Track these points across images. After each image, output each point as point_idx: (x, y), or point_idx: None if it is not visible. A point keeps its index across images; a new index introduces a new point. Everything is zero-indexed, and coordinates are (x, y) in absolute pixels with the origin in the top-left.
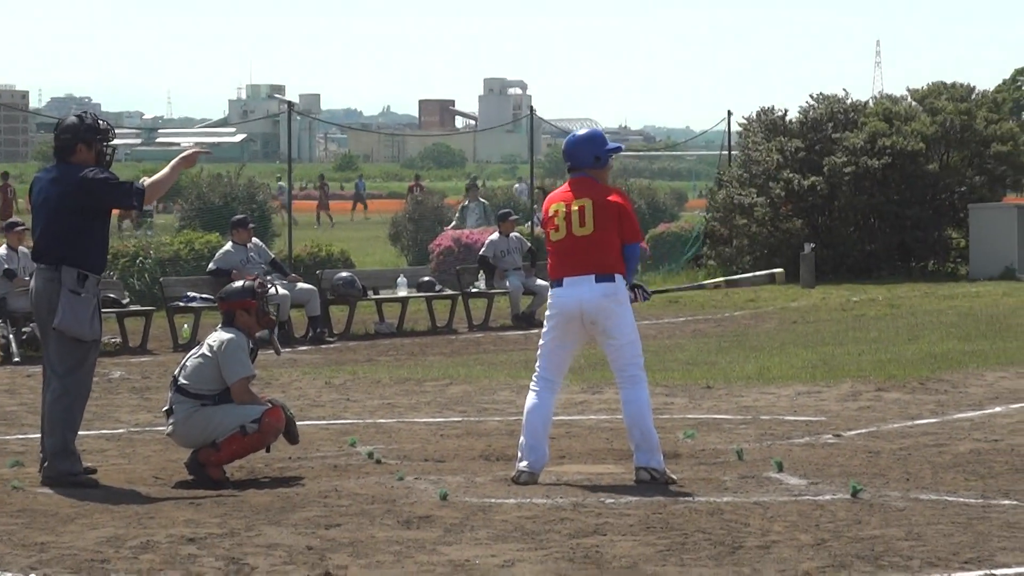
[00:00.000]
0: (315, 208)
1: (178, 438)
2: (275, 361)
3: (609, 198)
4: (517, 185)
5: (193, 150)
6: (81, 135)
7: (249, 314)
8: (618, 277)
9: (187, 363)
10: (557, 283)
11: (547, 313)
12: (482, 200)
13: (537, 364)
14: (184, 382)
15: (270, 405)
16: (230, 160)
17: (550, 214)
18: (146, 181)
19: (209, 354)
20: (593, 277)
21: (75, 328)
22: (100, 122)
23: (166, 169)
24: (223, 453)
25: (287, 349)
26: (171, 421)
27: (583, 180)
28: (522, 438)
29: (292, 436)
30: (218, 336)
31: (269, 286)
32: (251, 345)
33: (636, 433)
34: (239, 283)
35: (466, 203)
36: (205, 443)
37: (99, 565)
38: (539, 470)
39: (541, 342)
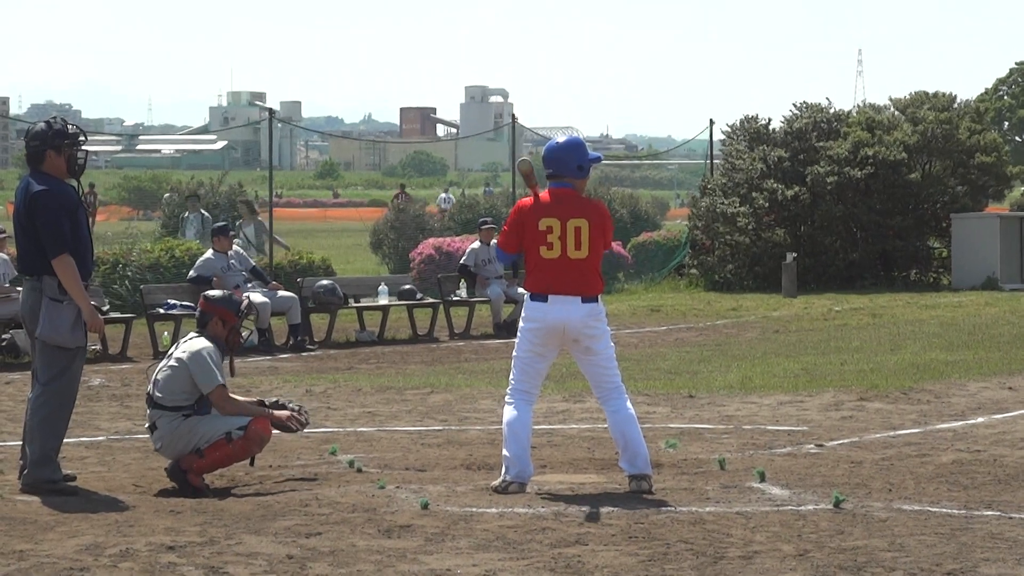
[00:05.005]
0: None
1: (166, 451)
2: (256, 369)
3: (605, 219)
4: (443, 195)
5: (98, 327)
6: (49, 141)
7: (223, 326)
8: (599, 297)
9: (158, 377)
10: (540, 297)
11: (524, 326)
12: (203, 211)
13: (512, 376)
14: (159, 395)
15: (257, 416)
16: (211, 167)
17: (541, 229)
18: (66, 263)
19: (178, 364)
20: (580, 298)
21: (56, 336)
22: (69, 127)
23: (79, 292)
24: (207, 460)
25: (267, 357)
26: (156, 436)
27: (568, 193)
28: (506, 451)
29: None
30: (187, 346)
31: (253, 314)
32: (222, 353)
33: (627, 442)
34: (228, 293)
35: (186, 214)
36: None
37: (78, 573)
38: (527, 480)
39: (516, 354)
